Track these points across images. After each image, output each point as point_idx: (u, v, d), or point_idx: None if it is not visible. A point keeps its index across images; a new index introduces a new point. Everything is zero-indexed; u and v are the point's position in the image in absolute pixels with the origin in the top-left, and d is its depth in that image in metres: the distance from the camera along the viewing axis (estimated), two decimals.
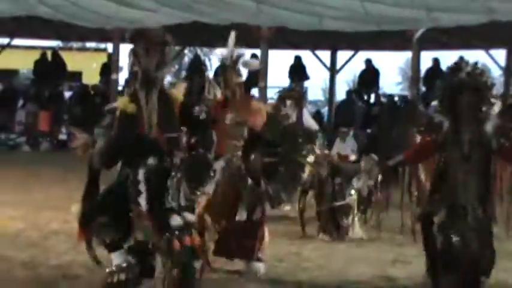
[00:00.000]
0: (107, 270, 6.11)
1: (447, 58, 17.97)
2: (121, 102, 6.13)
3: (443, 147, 6.34)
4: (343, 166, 10.00)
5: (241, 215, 7.37)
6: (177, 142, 6.04)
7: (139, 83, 6.03)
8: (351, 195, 9.54)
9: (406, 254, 8.55)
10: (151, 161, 5.96)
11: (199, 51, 30.67)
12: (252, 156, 7.51)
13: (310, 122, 11.18)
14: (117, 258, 6.08)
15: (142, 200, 5.93)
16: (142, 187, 5.94)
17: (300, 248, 8.89)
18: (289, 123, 8.09)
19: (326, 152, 10.47)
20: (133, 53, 6.08)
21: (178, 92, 6.30)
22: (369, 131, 20.32)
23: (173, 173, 5.99)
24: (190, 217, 6.02)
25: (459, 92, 6.26)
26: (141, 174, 5.95)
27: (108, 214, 6.04)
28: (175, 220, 5.92)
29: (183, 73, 31.32)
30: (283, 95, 10.86)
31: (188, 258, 5.92)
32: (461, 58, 6.68)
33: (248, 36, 19.28)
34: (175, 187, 6.00)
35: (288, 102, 10.73)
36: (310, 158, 9.64)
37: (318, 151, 9.96)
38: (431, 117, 6.35)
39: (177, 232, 5.90)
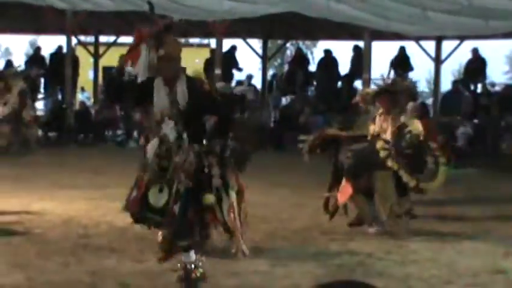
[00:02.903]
0: (182, 267, 6.62)
1: None
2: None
3: None
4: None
5: None
6: None
7: None
8: None
9: None
10: None
11: (301, 44, 30.62)
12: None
13: None
14: (189, 256, 6.60)
15: None
16: None
17: (407, 240, 8.74)
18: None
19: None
20: None
21: None
22: (476, 121, 19.89)
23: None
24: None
25: None
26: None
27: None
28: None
29: (286, 67, 31.36)
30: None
31: None
32: None
33: (351, 26, 19.22)
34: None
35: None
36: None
37: None
38: None
39: None
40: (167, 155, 6.57)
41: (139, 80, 6.65)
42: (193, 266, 6.61)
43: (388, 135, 9.15)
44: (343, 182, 9.10)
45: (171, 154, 6.56)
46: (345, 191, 9.08)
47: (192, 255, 6.63)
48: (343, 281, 2.81)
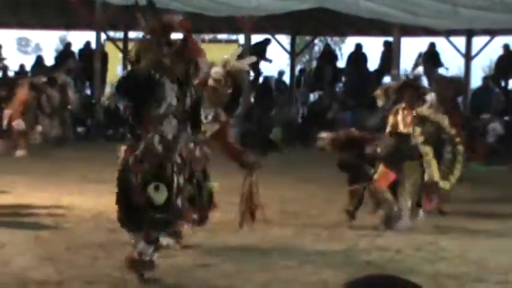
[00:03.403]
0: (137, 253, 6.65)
1: None
2: None
3: None
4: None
5: None
6: None
7: None
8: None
9: None
10: None
11: (329, 40, 30.50)
12: None
13: None
14: (148, 248, 6.62)
15: None
16: None
17: (437, 237, 8.69)
18: None
19: None
20: None
21: None
22: (506, 118, 19.72)
23: None
24: None
25: None
26: None
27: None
28: None
29: (314, 63, 31.29)
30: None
31: None
32: None
33: (381, 22, 19.13)
34: None
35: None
36: None
37: None
38: None
39: None
40: (163, 153, 6.57)
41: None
42: (147, 258, 6.60)
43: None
44: (381, 168, 9.07)
45: (167, 152, 6.56)
46: (387, 177, 9.07)
47: (150, 248, 6.62)
48: (376, 276, 2.75)
